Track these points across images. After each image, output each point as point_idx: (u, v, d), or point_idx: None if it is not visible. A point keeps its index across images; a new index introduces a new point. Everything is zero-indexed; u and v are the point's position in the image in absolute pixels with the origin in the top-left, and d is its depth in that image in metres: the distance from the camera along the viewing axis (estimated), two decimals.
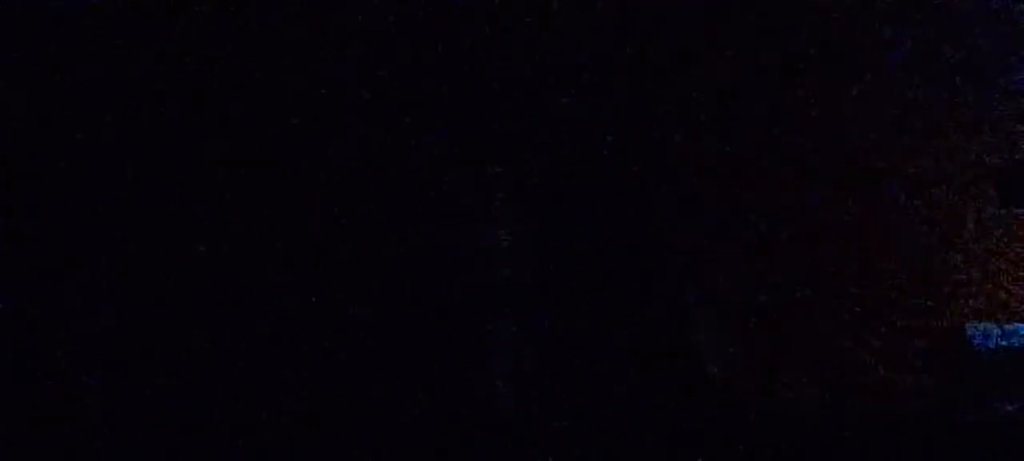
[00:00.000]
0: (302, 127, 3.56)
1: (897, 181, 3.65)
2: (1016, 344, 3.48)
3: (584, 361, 3.57)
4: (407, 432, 3.38)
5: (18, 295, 3.38)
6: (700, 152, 3.69)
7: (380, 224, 3.56)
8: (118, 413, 3.36)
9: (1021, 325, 3.52)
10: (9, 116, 3.43)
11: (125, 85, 3.49)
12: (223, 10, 3.54)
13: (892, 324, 3.58)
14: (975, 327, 3.53)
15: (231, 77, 3.54)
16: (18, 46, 3.42)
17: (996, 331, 3.51)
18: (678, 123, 3.70)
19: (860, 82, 3.68)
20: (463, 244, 3.60)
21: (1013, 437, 3.36)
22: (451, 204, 3.61)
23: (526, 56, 3.67)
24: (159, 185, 3.49)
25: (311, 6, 3.59)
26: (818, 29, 3.69)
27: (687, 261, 3.66)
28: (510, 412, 3.50)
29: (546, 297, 3.61)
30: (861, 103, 3.67)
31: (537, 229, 3.66)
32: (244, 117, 3.53)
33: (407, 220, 3.57)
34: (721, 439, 3.47)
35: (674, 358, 3.60)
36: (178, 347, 3.42)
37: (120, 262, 3.45)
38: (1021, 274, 3.59)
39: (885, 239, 3.63)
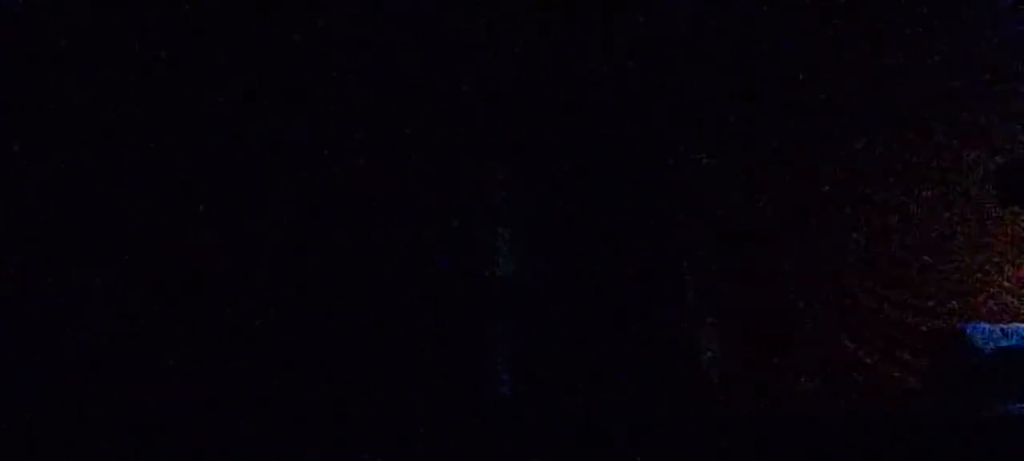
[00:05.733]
0: (302, 128, 3.57)
1: (897, 181, 3.66)
2: (1016, 344, 3.47)
3: (584, 360, 3.57)
4: (410, 425, 3.38)
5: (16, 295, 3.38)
6: (702, 154, 3.70)
7: (382, 223, 3.57)
8: (118, 413, 3.36)
9: (1021, 325, 3.52)
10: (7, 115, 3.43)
11: (123, 81, 3.50)
12: (224, 9, 3.55)
13: (892, 324, 3.58)
14: (975, 327, 3.53)
15: (231, 76, 3.55)
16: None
17: (996, 331, 3.50)
18: (680, 125, 3.70)
19: (859, 83, 3.68)
20: (465, 242, 3.60)
21: (1013, 437, 3.35)
22: (453, 203, 3.61)
23: (531, 57, 3.68)
24: (159, 184, 3.50)
25: (313, 6, 3.60)
26: (815, 31, 3.70)
27: (687, 261, 3.66)
28: (510, 412, 3.51)
29: (547, 296, 3.62)
30: (861, 104, 3.68)
31: (538, 229, 3.66)
32: (244, 117, 3.54)
33: (409, 219, 3.58)
34: (721, 439, 3.47)
35: (674, 358, 3.60)
36: (181, 346, 3.43)
37: (122, 261, 3.46)
38: (1021, 274, 3.59)
39: (885, 239, 3.63)
